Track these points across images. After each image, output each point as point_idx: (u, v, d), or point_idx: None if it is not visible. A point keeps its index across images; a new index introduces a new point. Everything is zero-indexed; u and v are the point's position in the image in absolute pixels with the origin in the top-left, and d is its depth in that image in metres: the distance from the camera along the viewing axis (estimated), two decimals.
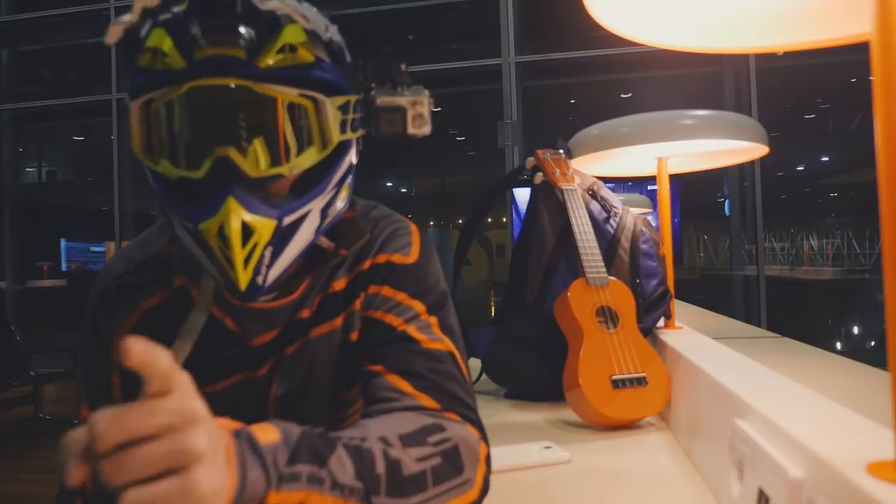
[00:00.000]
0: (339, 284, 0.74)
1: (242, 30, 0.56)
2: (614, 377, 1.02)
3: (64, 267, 8.75)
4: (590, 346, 1.06)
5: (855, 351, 6.52)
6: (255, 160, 0.58)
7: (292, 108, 0.60)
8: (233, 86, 0.57)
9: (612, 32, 0.61)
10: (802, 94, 8.71)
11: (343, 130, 0.63)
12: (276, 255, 0.60)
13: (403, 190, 14.61)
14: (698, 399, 0.86)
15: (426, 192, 14.78)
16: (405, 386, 0.65)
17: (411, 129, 0.66)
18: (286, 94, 0.59)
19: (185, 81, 0.57)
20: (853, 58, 4.84)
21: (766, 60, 4.66)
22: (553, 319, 1.15)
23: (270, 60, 0.57)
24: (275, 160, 0.60)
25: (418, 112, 0.66)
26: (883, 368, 0.69)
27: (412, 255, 0.74)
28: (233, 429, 0.46)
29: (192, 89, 0.57)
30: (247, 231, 0.57)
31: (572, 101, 8.13)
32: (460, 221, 13.72)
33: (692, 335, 1.21)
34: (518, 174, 1.39)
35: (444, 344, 0.69)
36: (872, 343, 6.73)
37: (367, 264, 0.73)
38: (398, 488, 0.54)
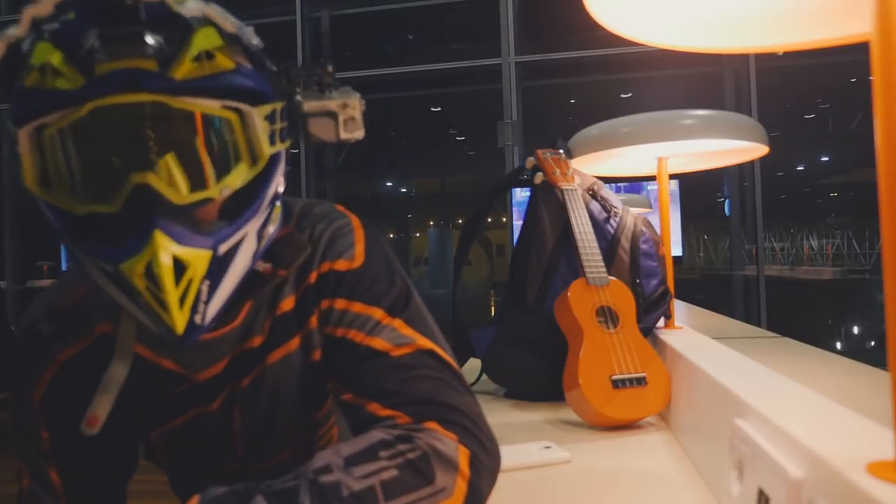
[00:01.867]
0: (288, 304, 0.68)
1: (150, 37, 0.49)
2: (614, 377, 1.02)
3: (64, 267, 8.75)
4: (590, 346, 1.06)
5: (855, 351, 6.52)
6: (179, 185, 0.51)
7: (216, 123, 0.53)
8: (147, 102, 0.49)
9: (612, 32, 0.61)
10: (802, 94, 8.71)
11: (272, 142, 0.56)
12: (213, 289, 0.54)
13: (403, 190, 14.62)
14: (698, 399, 0.86)
15: (426, 192, 14.79)
16: (378, 409, 0.61)
17: (344, 135, 0.60)
18: (207, 107, 0.52)
19: (87, 101, 0.49)
20: (853, 58, 4.84)
21: (766, 60, 4.65)
22: (553, 319, 1.15)
23: (186, 70, 0.50)
24: (201, 183, 0.53)
25: (350, 115, 0.60)
26: (883, 368, 0.69)
27: (357, 259, 0.67)
28: None
29: (96, 110, 0.49)
30: (179, 267, 0.50)
31: (572, 101, 8.12)
32: (460, 221, 13.73)
33: (692, 335, 1.20)
34: (518, 174, 1.39)
35: (416, 343, 0.64)
36: (872, 343, 6.73)
37: (312, 276, 0.67)
38: None
